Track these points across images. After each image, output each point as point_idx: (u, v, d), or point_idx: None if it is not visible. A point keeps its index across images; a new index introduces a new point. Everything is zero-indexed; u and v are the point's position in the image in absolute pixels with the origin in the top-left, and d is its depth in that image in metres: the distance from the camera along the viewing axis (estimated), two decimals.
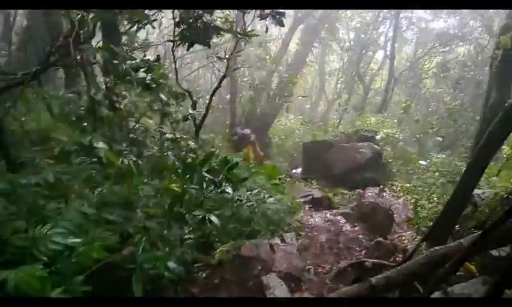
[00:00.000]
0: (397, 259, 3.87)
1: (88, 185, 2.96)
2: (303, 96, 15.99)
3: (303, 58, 14.72)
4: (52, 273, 1.95)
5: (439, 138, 11.57)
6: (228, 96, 12.79)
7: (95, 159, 3.24)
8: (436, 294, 2.85)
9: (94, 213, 2.66)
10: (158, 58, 3.91)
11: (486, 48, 13.43)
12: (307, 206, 6.01)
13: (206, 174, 2.79)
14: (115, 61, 3.83)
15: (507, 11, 7.32)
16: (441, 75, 13.88)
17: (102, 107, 3.83)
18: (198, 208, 3.00)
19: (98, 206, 2.84)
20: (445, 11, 15.58)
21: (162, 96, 3.66)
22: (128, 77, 3.58)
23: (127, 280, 2.26)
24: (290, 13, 15.61)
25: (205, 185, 3.01)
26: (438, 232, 3.61)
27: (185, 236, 3.01)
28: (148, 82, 3.55)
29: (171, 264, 2.38)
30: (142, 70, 3.62)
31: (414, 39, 19.34)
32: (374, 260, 3.52)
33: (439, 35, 15.08)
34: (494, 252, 3.36)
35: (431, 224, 4.17)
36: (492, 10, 14.36)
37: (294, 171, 10.57)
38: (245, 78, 11.62)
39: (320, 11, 14.38)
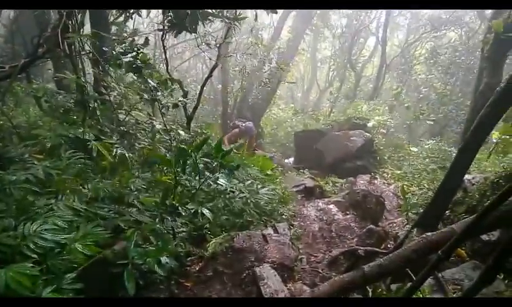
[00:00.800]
0: (389, 246, 3.92)
1: (78, 180, 2.93)
2: (291, 82, 15.88)
3: (295, 46, 14.62)
4: (43, 271, 1.94)
5: (430, 122, 11.65)
6: (220, 87, 12.71)
7: (85, 153, 3.22)
8: (428, 279, 2.90)
9: (85, 209, 2.64)
10: (147, 41, 3.84)
11: (477, 32, 13.46)
12: (299, 195, 6.04)
13: (201, 159, 2.78)
14: (104, 48, 3.77)
15: None
16: (432, 60, 13.89)
17: (92, 99, 3.78)
18: (190, 201, 2.99)
19: (89, 201, 2.82)
20: None
21: (150, 81, 3.61)
22: (118, 61, 3.53)
23: (120, 276, 2.26)
24: None
25: (199, 175, 2.99)
26: (428, 218, 3.65)
27: (178, 230, 3.01)
28: (136, 65, 3.50)
29: (164, 258, 2.37)
30: (130, 54, 3.57)
31: (406, 24, 19.32)
32: (366, 248, 3.55)
33: (431, 20, 15.06)
34: (484, 237, 3.42)
35: (421, 210, 4.22)
36: None
37: (286, 160, 10.60)
38: (236, 68, 11.52)
39: None
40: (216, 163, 2.84)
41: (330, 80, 19.89)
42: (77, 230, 2.31)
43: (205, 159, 2.84)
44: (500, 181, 3.91)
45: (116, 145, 3.55)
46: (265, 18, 16.50)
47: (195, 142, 4.65)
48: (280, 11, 14.23)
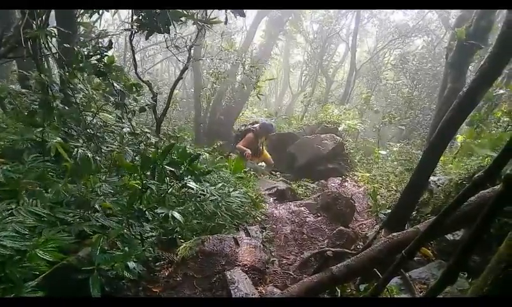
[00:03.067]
0: (358, 246, 4.00)
1: (41, 184, 2.82)
2: (269, 80, 15.95)
3: (268, 50, 14.75)
4: (1, 280, 1.85)
5: (401, 127, 12.03)
6: (193, 90, 12.62)
7: (51, 156, 3.10)
8: (395, 279, 2.98)
9: (48, 214, 2.54)
10: (110, 44, 3.75)
11: (443, 40, 14.04)
12: (272, 198, 6.06)
13: (167, 167, 2.71)
14: (66, 45, 3.64)
15: None
16: (400, 67, 14.37)
17: (57, 101, 3.65)
18: (160, 205, 2.94)
19: (52, 206, 2.72)
20: None
21: (116, 84, 3.52)
22: (80, 64, 3.42)
23: (85, 283, 2.18)
24: None
25: (167, 180, 2.94)
26: (395, 219, 3.75)
27: (147, 234, 2.94)
28: (100, 68, 3.40)
29: (131, 264, 2.32)
30: (94, 57, 3.47)
31: (375, 31, 19.90)
32: (336, 249, 3.62)
33: (398, 27, 15.57)
34: (449, 237, 3.54)
35: (389, 211, 4.33)
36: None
37: (259, 163, 10.62)
38: (210, 71, 11.48)
39: None
40: (183, 169, 2.80)
41: (302, 84, 20.17)
42: (39, 236, 2.22)
43: (170, 168, 2.79)
44: (464, 182, 4.06)
45: (82, 148, 3.45)
46: (239, 22, 16.59)
47: (164, 145, 4.58)
48: (252, 15, 14.34)
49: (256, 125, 8.04)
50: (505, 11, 3.25)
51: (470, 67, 7.10)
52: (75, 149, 3.06)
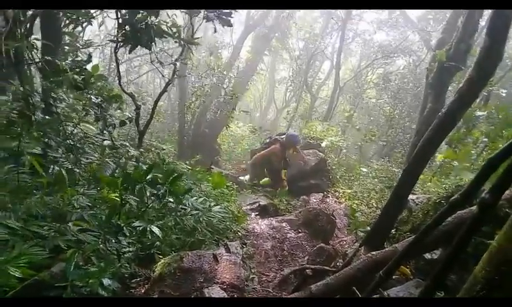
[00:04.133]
0: (338, 263, 4.00)
1: (15, 196, 2.74)
2: (245, 111, 16.13)
3: (254, 65, 14.90)
4: None
5: (382, 142, 12.24)
6: (178, 102, 12.59)
7: (26, 168, 3.02)
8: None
9: (21, 227, 2.47)
10: (89, 57, 3.72)
11: (424, 61, 14.46)
12: (253, 213, 6.03)
13: (147, 187, 2.67)
14: (48, 57, 3.60)
15: (444, 26, 7.95)
16: (383, 85, 14.70)
17: (38, 110, 3.58)
18: (139, 219, 2.88)
19: (26, 219, 2.64)
20: (388, 23, 16.67)
21: (93, 98, 3.49)
22: (60, 78, 3.38)
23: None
24: (241, 19, 15.79)
25: (146, 198, 2.90)
26: (375, 237, 3.78)
27: (124, 250, 2.88)
28: (78, 82, 3.37)
29: (106, 280, 2.25)
30: (73, 71, 3.43)
31: (358, 50, 20.38)
32: (316, 266, 3.61)
33: (381, 47, 15.98)
34: (427, 256, 3.58)
35: (369, 228, 4.36)
36: (431, 25, 15.61)
37: (241, 177, 10.59)
38: (196, 85, 11.48)
39: (271, 19, 14.69)
40: (164, 189, 2.76)
41: (287, 100, 20.38)
42: (12, 250, 2.15)
43: (151, 188, 2.75)
44: (442, 201, 4.13)
45: (61, 159, 3.37)
46: (226, 37, 16.74)
47: (145, 158, 4.54)
48: (239, 31, 14.51)
49: (283, 136, 7.94)
50: (483, 36, 3.37)
51: (449, 88, 7.31)
52: (56, 164, 2.98)
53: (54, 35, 4.27)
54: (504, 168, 1.32)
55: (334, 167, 9.74)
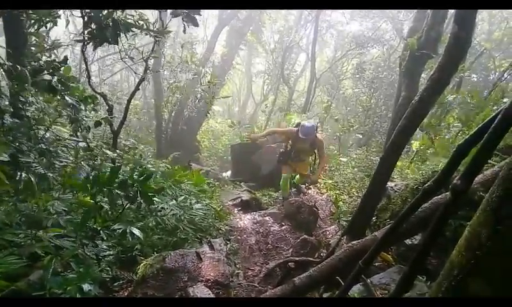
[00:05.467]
0: (322, 254, 4.05)
1: None
2: (225, 97, 15.98)
3: (230, 60, 14.81)
4: None
5: (359, 135, 12.41)
6: (153, 100, 12.40)
7: None
8: (357, 285, 3.04)
9: None
10: (65, 59, 3.60)
11: (397, 50, 14.71)
12: (236, 209, 6.02)
13: (116, 190, 2.60)
14: (17, 65, 3.46)
15: (415, 15, 8.09)
16: (358, 76, 14.88)
17: (6, 114, 3.44)
18: (117, 221, 2.82)
19: (1, 227, 2.56)
20: (361, 13, 16.83)
21: (68, 99, 3.37)
22: (31, 80, 3.24)
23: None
24: (214, 13, 15.62)
25: (121, 200, 2.83)
26: (356, 225, 3.83)
27: (104, 253, 2.82)
28: (54, 84, 3.25)
29: (86, 286, 2.20)
30: (46, 72, 3.30)
31: (333, 42, 20.54)
32: (300, 258, 3.63)
33: (355, 37, 16.15)
34: (408, 241, 3.66)
35: (350, 218, 4.42)
36: (402, 14, 15.85)
37: (224, 174, 10.56)
38: (171, 81, 11.31)
39: (244, 13, 14.60)
40: (135, 190, 2.70)
41: (265, 93, 20.40)
42: None
43: (119, 191, 2.68)
44: (419, 187, 4.21)
45: (34, 164, 3.25)
46: (200, 32, 16.54)
47: (124, 156, 4.44)
48: (213, 25, 14.35)
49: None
50: (452, 23, 3.43)
51: (422, 75, 7.45)
52: (24, 170, 2.87)
53: (18, 37, 4.11)
54: (473, 154, 1.35)
55: None
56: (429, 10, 6.47)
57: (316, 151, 6.54)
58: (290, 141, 6.52)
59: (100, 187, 2.53)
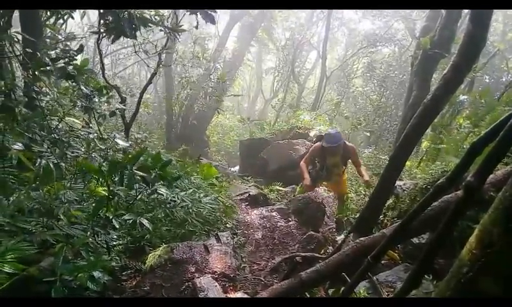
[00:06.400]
0: (328, 250, 4.05)
1: (1, 192, 2.69)
2: (235, 95, 16.01)
3: (241, 56, 14.83)
4: None
5: (367, 133, 12.35)
6: (165, 94, 12.47)
7: (10, 163, 2.97)
8: (363, 282, 3.04)
9: (8, 222, 2.43)
10: (81, 48, 3.64)
11: (409, 49, 14.57)
12: (244, 203, 6.05)
13: (137, 172, 2.63)
14: (31, 50, 3.51)
15: (428, 14, 8.01)
16: (368, 74, 14.79)
17: (21, 105, 3.50)
18: (128, 212, 2.86)
19: (14, 215, 2.60)
20: (373, 12, 16.70)
21: (83, 88, 3.42)
22: (47, 68, 3.29)
23: (47, 294, 2.09)
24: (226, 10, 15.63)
25: (136, 186, 2.87)
26: (363, 223, 3.83)
27: (114, 243, 2.86)
28: (69, 71, 3.29)
29: (96, 274, 2.24)
30: (62, 60, 3.35)
31: (344, 40, 20.43)
32: (306, 253, 3.64)
33: (367, 36, 16.04)
34: (415, 240, 3.65)
35: (358, 215, 4.42)
36: (415, 13, 15.69)
37: (232, 169, 10.60)
38: (183, 76, 11.36)
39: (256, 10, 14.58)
40: (154, 174, 2.73)
41: (275, 90, 20.38)
42: None
43: (141, 172, 2.71)
44: (428, 187, 4.18)
45: (46, 154, 3.31)
46: (212, 28, 16.55)
47: (134, 150, 4.48)
48: (225, 21, 14.35)
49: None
50: (466, 21, 3.39)
51: (434, 75, 7.39)
52: (42, 158, 2.93)
53: (34, 28, 4.16)
54: (487, 152, 1.35)
55: None
56: (443, 10, 6.40)
57: (349, 160, 5.69)
58: (316, 160, 5.62)
59: (119, 171, 2.56)
